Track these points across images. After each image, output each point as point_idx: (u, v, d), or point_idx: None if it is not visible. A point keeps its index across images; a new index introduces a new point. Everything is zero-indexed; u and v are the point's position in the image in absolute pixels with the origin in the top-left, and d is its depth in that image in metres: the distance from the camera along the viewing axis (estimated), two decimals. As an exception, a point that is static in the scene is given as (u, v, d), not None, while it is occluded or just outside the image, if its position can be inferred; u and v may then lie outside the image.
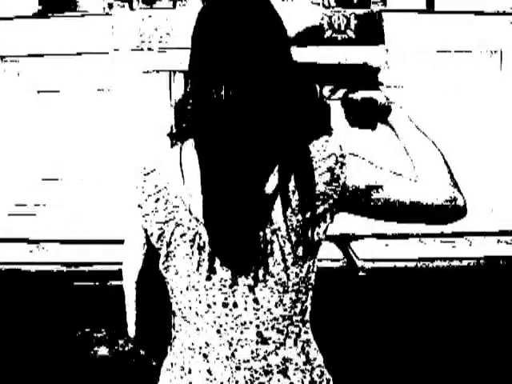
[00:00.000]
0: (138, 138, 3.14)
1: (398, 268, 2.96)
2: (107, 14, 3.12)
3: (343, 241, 3.12)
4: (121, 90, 3.22)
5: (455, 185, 1.54)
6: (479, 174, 3.32)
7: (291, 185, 1.42)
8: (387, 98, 1.63)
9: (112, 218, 3.23)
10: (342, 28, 2.86)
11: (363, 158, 1.50)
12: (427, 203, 1.50)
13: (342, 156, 1.47)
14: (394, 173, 1.51)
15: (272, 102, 1.40)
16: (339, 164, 1.46)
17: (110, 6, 3.08)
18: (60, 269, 2.94)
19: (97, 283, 2.88)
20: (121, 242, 1.63)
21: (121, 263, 1.62)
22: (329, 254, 2.97)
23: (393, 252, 3.09)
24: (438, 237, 3.27)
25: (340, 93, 1.62)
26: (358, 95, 1.63)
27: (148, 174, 1.49)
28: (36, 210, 3.34)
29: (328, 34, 2.85)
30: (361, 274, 2.94)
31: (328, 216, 1.46)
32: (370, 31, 2.85)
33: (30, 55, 3.26)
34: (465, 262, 3.00)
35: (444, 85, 3.33)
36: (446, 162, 1.57)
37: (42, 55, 3.25)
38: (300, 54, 2.80)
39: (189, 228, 1.44)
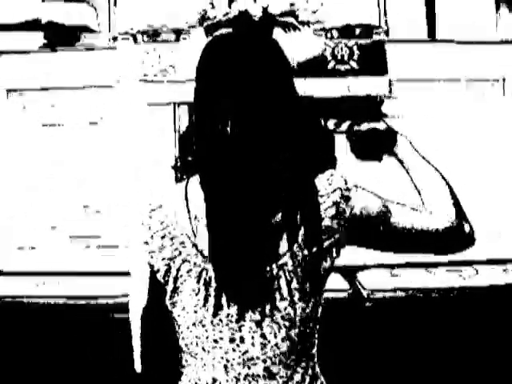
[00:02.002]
0: (142, 170, 3.15)
1: (405, 298, 2.94)
2: (111, 47, 3.14)
3: (349, 271, 3.11)
4: (125, 123, 3.23)
5: (462, 214, 1.54)
6: (485, 201, 3.32)
7: (297, 220, 1.42)
8: (392, 129, 1.63)
9: (118, 249, 3.22)
10: (346, 59, 2.87)
11: (369, 191, 1.50)
12: (434, 233, 1.50)
13: (348, 190, 1.47)
14: (401, 203, 1.51)
15: (277, 136, 1.40)
16: (344, 198, 1.46)
17: (115, 39, 3.10)
18: (66, 302, 2.94)
19: (103, 317, 2.87)
20: (126, 274, 1.63)
21: (127, 296, 1.61)
22: (335, 284, 2.95)
23: (399, 282, 3.08)
24: (445, 266, 3.26)
25: (345, 125, 1.62)
26: (363, 127, 1.63)
27: (154, 210, 1.49)
28: (43, 242, 3.34)
29: (331, 64, 2.86)
30: (367, 304, 2.93)
31: (334, 250, 1.46)
32: (374, 62, 2.86)
33: (35, 88, 3.28)
34: (472, 291, 2.98)
35: (448, 112, 3.34)
36: (452, 192, 1.57)
37: (46, 88, 3.27)
38: (303, 86, 2.81)
39: (195, 264, 1.44)
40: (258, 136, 1.38)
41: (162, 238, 1.47)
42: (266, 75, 1.40)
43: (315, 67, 2.85)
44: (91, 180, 3.33)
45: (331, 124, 1.60)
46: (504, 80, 3.34)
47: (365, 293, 2.96)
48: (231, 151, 1.39)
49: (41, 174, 3.35)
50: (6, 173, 3.36)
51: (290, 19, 2.99)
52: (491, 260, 3.28)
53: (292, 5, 3.01)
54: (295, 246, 1.42)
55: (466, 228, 1.52)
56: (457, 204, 1.54)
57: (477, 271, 3.22)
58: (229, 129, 1.37)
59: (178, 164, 1.65)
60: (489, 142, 3.34)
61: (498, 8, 3.57)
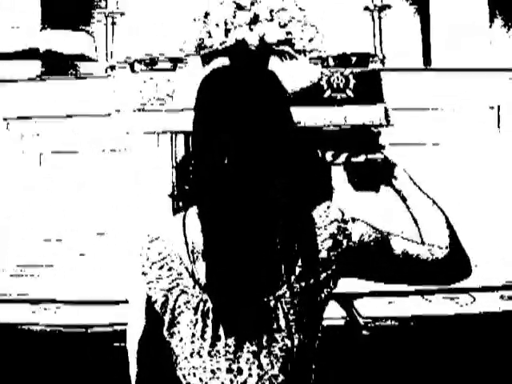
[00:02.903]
0: (141, 198, 3.15)
1: (402, 325, 2.94)
2: (109, 75, 3.16)
3: (346, 299, 3.11)
4: (123, 151, 3.25)
5: (459, 245, 1.54)
6: (482, 228, 3.32)
7: (294, 252, 1.43)
8: (389, 161, 1.64)
9: (114, 278, 3.22)
10: (342, 87, 2.89)
11: (366, 222, 1.51)
12: (431, 264, 1.50)
13: (344, 221, 1.48)
14: (398, 235, 1.52)
15: (275, 169, 1.41)
16: (341, 230, 1.46)
17: (112, 68, 3.12)
18: (61, 330, 2.93)
19: (100, 345, 2.86)
20: (122, 302, 1.62)
21: (122, 324, 1.62)
22: (331, 312, 2.94)
23: (396, 309, 3.07)
24: (441, 293, 3.26)
25: (342, 157, 1.63)
26: (360, 159, 1.63)
27: (152, 241, 1.50)
28: (38, 270, 3.33)
29: (327, 93, 2.88)
30: (364, 332, 2.92)
31: (331, 282, 1.47)
32: (369, 90, 2.88)
33: (32, 116, 3.30)
34: (469, 318, 2.98)
35: (443, 140, 3.36)
36: (449, 222, 1.57)
37: (44, 117, 3.28)
38: (300, 114, 2.83)
39: (193, 295, 1.44)
40: (257, 168, 1.39)
41: (160, 268, 1.47)
42: (264, 109, 1.41)
43: (311, 96, 2.87)
44: (91, 206, 3.33)
45: (329, 155, 1.61)
46: (498, 107, 3.36)
47: (361, 320, 2.96)
48: (229, 182, 1.39)
49: (39, 201, 3.35)
50: (5, 198, 3.36)
51: (287, 48, 3.02)
52: (488, 287, 3.28)
53: (288, 33, 3.04)
54: (292, 277, 1.42)
55: (463, 259, 1.52)
56: (453, 235, 1.54)
57: (474, 298, 3.22)
58: (226, 161, 1.38)
59: (175, 192, 1.65)
60: (483, 169, 3.35)
61: (492, 19, 3.61)
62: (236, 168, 1.39)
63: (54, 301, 3.23)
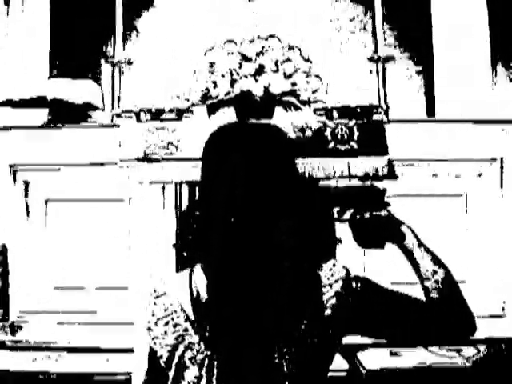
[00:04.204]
0: (145, 248, 3.15)
1: (405, 377, 2.92)
2: (115, 125, 3.18)
3: (349, 350, 3.09)
4: (129, 200, 3.25)
5: (464, 303, 1.55)
6: (485, 281, 3.32)
7: (300, 311, 1.43)
8: (395, 218, 1.64)
9: (120, 325, 3.20)
10: (346, 139, 2.91)
11: (371, 281, 1.52)
12: (436, 323, 1.50)
13: (349, 279, 1.48)
14: (403, 293, 1.52)
15: (281, 227, 1.42)
16: (346, 288, 1.47)
17: (118, 116, 3.15)
18: (64, 379, 2.91)
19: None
20: (126, 351, 1.62)
21: (126, 374, 1.61)
22: (334, 363, 2.93)
23: (399, 361, 3.05)
24: (445, 345, 3.23)
25: (348, 214, 1.64)
26: (366, 216, 1.64)
27: (158, 297, 1.51)
28: (45, 316, 3.33)
29: (331, 145, 2.91)
30: (367, 384, 2.90)
31: (336, 339, 1.47)
32: (373, 142, 2.90)
33: (38, 164, 3.31)
34: (473, 371, 2.96)
35: (445, 193, 3.36)
36: (452, 279, 1.57)
37: (50, 164, 3.30)
38: (304, 166, 2.85)
39: (198, 351, 1.44)
40: (262, 227, 1.40)
41: (166, 324, 1.48)
42: (270, 166, 1.43)
43: (316, 147, 2.89)
44: (93, 256, 3.33)
45: (334, 212, 1.62)
46: (502, 159, 3.37)
47: (364, 372, 2.94)
48: (234, 242, 1.40)
49: (44, 250, 3.36)
50: (10, 245, 3.37)
51: (291, 99, 3.05)
52: (492, 339, 3.26)
53: (293, 84, 3.07)
54: (297, 334, 1.43)
55: (468, 317, 1.52)
56: (458, 293, 1.54)
57: (478, 350, 3.20)
58: (233, 220, 1.40)
59: (179, 242, 1.66)
60: (487, 223, 3.35)
61: (494, 68, 3.63)
62: (242, 218, 1.40)
63: (56, 348, 3.22)
